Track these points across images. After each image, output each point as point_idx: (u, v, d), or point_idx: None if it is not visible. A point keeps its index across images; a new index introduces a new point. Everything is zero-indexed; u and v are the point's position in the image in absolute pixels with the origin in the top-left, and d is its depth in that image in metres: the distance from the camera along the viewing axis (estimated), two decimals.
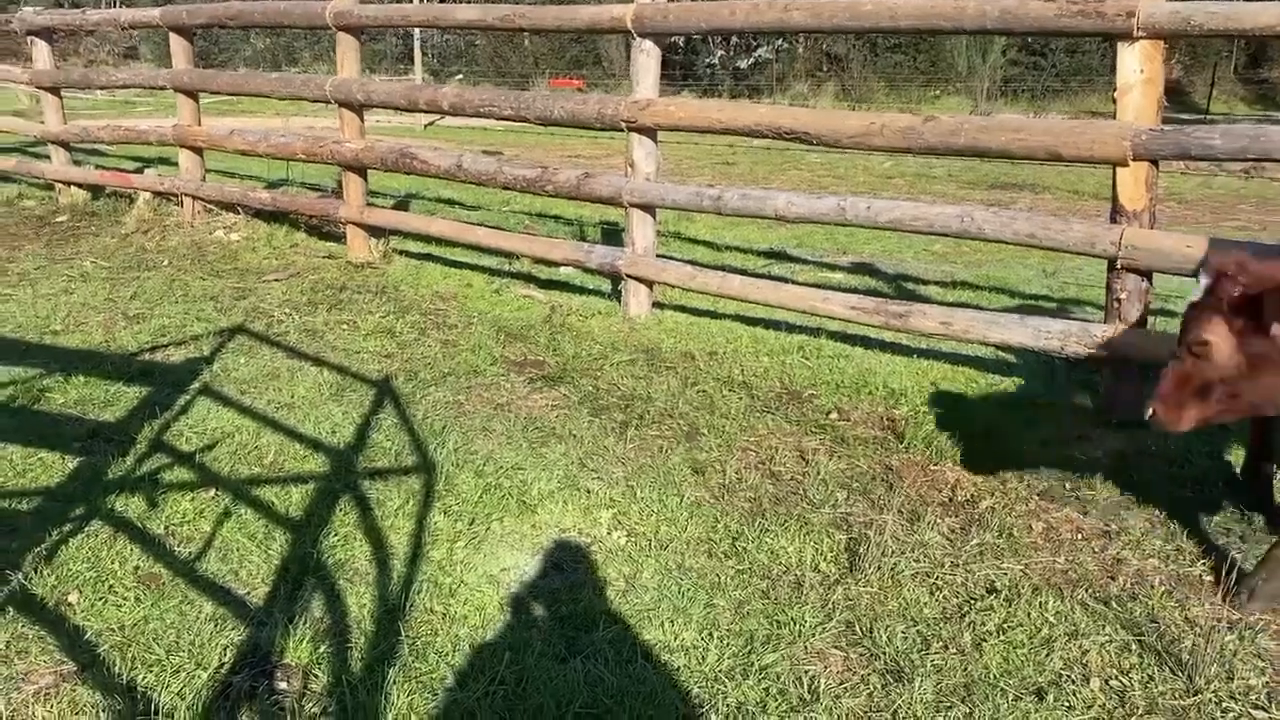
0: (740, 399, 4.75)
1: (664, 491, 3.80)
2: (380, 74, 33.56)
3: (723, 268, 7.05)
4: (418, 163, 6.65)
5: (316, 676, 2.69)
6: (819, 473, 4.02)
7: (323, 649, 2.79)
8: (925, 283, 7.07)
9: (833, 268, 7.49)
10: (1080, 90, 27.63)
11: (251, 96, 11.29)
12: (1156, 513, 3.71)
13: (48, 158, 9.81)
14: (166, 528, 3.47)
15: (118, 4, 31.72)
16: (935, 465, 4.10)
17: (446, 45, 36.14)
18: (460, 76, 29.87)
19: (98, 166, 10.15)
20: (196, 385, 4.75)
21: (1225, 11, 3.87)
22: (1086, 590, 3.20)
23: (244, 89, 8.68)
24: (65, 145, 9.53)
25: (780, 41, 32.43)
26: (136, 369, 4.96)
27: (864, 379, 4.91)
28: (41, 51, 9.29)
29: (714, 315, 5.94)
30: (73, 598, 3.03)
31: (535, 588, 3.16)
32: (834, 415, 4.60)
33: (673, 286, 5.80)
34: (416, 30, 25.90)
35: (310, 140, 7.51)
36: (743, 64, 32.34)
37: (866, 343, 5.39)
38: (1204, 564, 3.36)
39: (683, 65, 33.43)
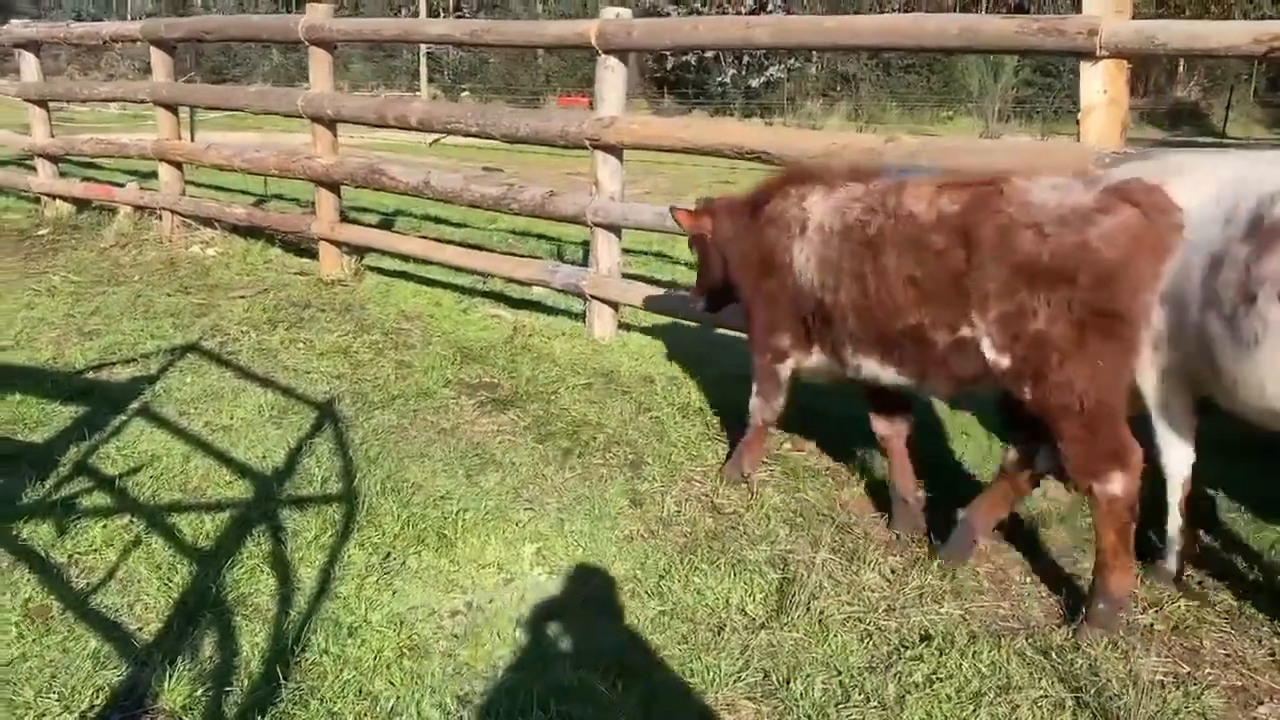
0: (693, 426, 4.59)
1: (596, 524, 3.64)
2: (397, 90, 33.72)
3: None
4: (386, 179, 6.55)
5: None
6: (763, 506, 3.85)
7: (199, 692, 2.64)
8: None
9: None
10: None
11: (229, 111, 11.22)
12: None
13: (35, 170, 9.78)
14: (71, 556, 3.33)
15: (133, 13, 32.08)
16: (887, 503, 3.92)
17: (460, 63, 36.29)
18: (466, 93, 29.92)
19: (84, 179, 10.11)
20: (135, 405, 4.62)
21: (1190, 30, 3.72)
22: (1027, 639, 3.02)
23: (221, 102, 8.62)
24: (52, 158, 9.50)
25: (792, 60, 32.38)
26: (77, 388, 4.84)
27: (822, 410, 4.73)
28: (29, 64, 9.26)
29: (682, 338, 5.78)
30: None
31: (439, 629, 3.00)
32: (787, 446, 4.42)
33: (637, 308, 5.64)
34: (423, 47, 25.98)
35: (283, 155, 7.42)
36: (754, 83, 32.29)
37: None
38: (1155, 613, 3.17)
39: (695, 84, 33.44)
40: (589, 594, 3.21)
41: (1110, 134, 3.92)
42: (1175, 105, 31.64)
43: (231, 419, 4.53)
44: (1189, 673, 2.89)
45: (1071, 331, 2.91)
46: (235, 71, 38.07)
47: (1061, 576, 3.40)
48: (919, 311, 3.19)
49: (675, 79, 34.18)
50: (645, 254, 8.04)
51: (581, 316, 5.99)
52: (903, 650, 2.96)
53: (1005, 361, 3.04)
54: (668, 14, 30.94)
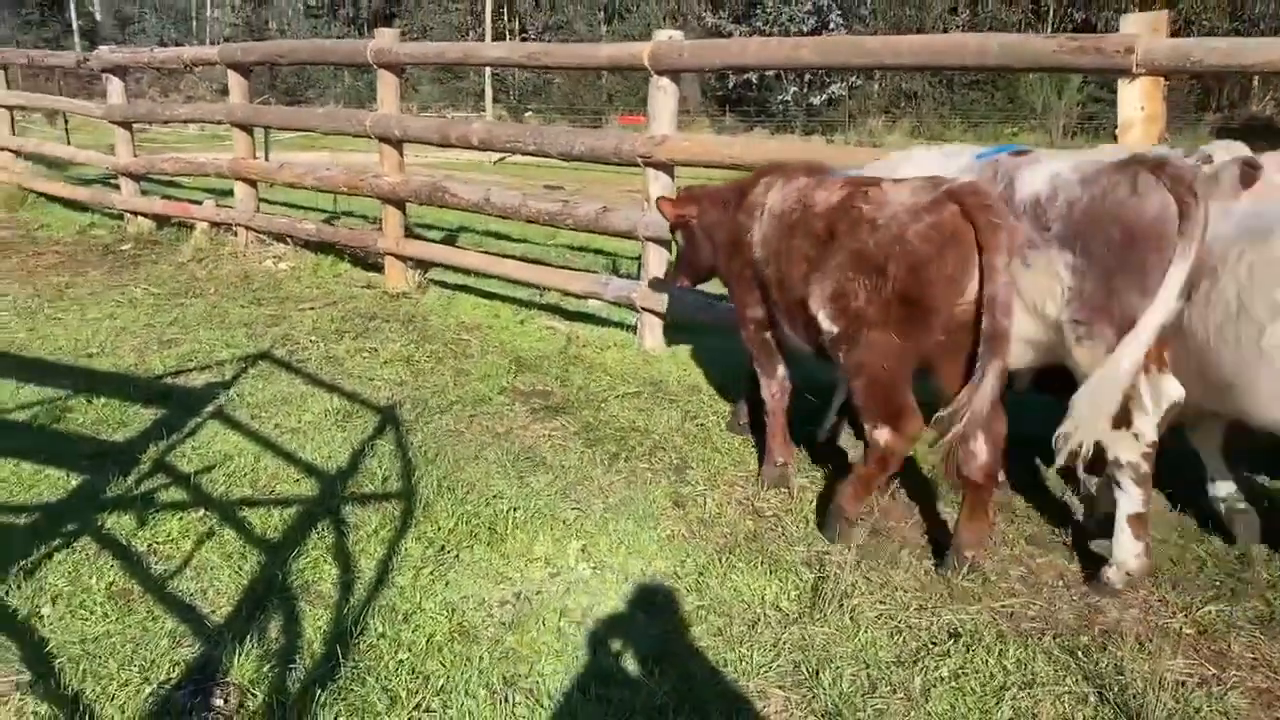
0: (737, 435, 4.72)
1: (639, 524, 3.80)
2: (464, 111, 34.40)
3: None
4: (449, 196, 6.80)
5: (253, 695, 2.75)
6: (803, 511, 3.98)
7: (265, 669, 2.85)
8: None
9: None
10: None
11: (301, 131, 11.64)
12: None
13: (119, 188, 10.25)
14: (150, 545, 3.58)
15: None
16: (924, 505, 4.02)
17: (525, 84, 36.92)
18: (529, 113, 30.40)
19: (165, 197, 10.58)
20: (210, 409, 4.90)
21: (1226, 48, 3.78)
22: (1054, 639, 3.11)
23: (292, 123, 9.00)
24: (134, 177, 9.96)
25: (854, 78, 32.38)
26: (157, 392, 5.14)
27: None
28: (115, 88, 9.75)
29: (730, 348, 5.91)
30: (46, 610, 3.14)
31: (488, 617, 3.18)
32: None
33: (688, 320, 5.80)
34: (488, 70, 26.53)
35: (352, 174, 7.74)
36: (816, 100, 32.35)
37: None
38: (1185, 617, 3.23)
39: (756, 102, 33.61)
40: (630, 588, 3.37)
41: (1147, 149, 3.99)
42: (1249, 120, 30.94)
43: (299, 422, 4.78)
44: (1214, 674, 2.95)
45: (880, 311, 3.40)
46: (308, 93, 39.16)
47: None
48: (804, 286, 3.68)
49: (737, 97, 34.41)
50: None
51: (633, 329, 6.17)
52: (931, 646, 3.07)
53: (835, 330, 3.58)
54: (729, 33, 31.18)
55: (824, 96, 32.64)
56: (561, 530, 3.73)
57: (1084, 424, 3.20)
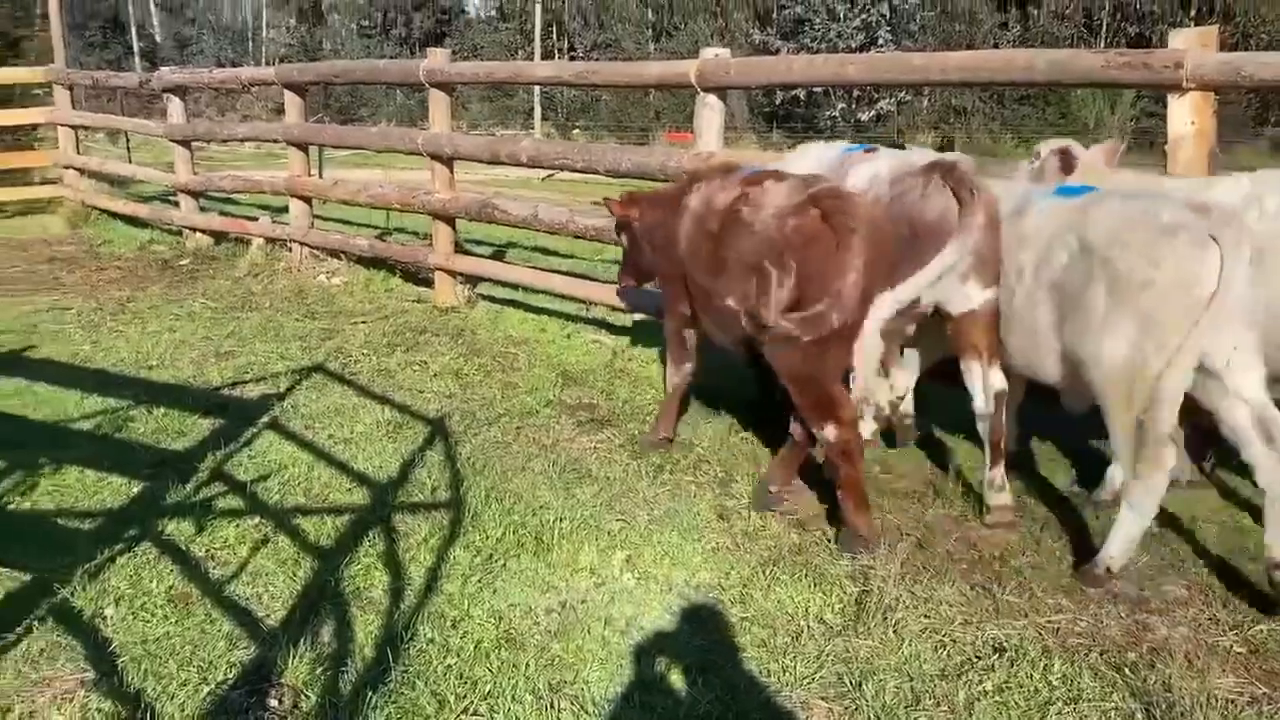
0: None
1: (684, 536, 3.84)
2: (512, 129, 34.78)
3: None
4: (498, 212, 6.92)
5: (307, 697, 2.82)
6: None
7: (318, 671, 2.92)
8: None
9: None
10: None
11: (355, 149, 11.87)
12: (1196, 579, 3.55)
13: (178, 205, 10.52)
14: (208, 551, 3.68)
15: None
16: (970, 521, 4.01)
17: (573, 102, 37.22)
18: (577, 131, 30.63)
19: (222, 213, 10.83)
20: (265, 419, 5.02)
21: (1277, 62, 3.74)
22: (1101, 655, 3.09)
23: (346, 142, 9.20)
24: (193, 194, 10.22)
25: (903, 94, 32.23)
26: (215, 403, 5.28)
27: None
28: (175, 107, 10.02)
29: None
30: (109, 611, 3.25)
31: (534, 624, 3.23)
32: (878, 469, 4.53)
33: None
34: (537, 89, 26.81)
35: (404, 191, 7.89)
36: (864, 116, 32.24)
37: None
38: (1236, 635, 3.20)
39: (804, 118, 33.56)
40: (674, 599, 3.41)
41: (1198, 164, 3.97)
42: None
43: (351, 433, 4.89)
44: (1265, 694, 2.92)
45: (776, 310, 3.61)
46: (362, 112, 39.76)
47: (1143, 597, 3.45)
48: (711, 280, 3.98)
49: (785, 113, 34.39)
50: None
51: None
52: (975, 660, 3.07)
53: (747, 325, 3.75)
54: (777, 50, 31.21)
55: (872, 113, 32.50)
56: (607, 541, 3.78)
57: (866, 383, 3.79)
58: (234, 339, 6.62)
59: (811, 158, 4.45)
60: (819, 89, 31.09)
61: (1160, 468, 3.33)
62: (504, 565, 3.60)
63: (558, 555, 3.67)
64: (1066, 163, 4.06)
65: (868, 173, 3.97)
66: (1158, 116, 28.07)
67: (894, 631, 3.20)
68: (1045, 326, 3.61)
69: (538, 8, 33.30)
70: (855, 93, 31.86)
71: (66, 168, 11.86)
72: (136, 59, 46.37)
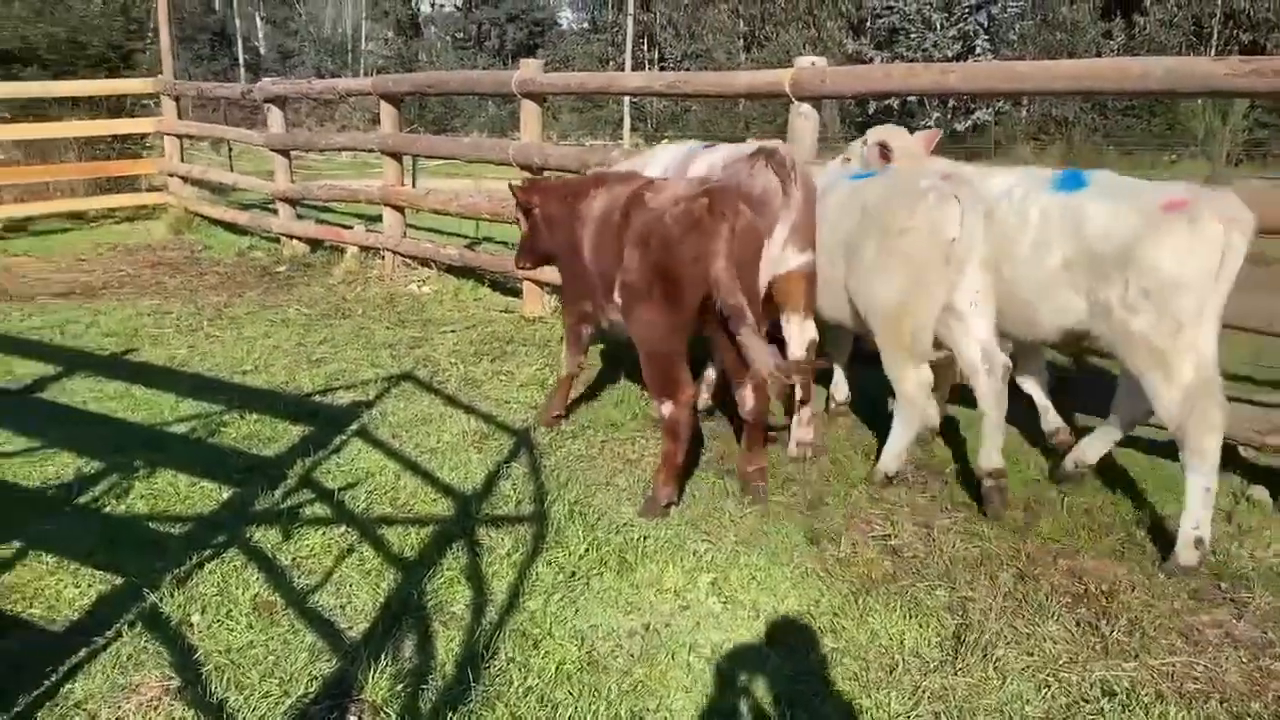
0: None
1: (772, 560, 3.72)
2: (603, 139, 34.99)
3: None
4: None
5: (386, 714, 2.78)
6: (944, 553, 3.82)
7: (399, 688, 2.88)
8: None
9: None
10: None
11: (447, 159, 11.98)
12: None
13: (276, 213, 10.76)
14: (294, 559, 3.69)
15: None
16: (1075, 553, 3.81)
17: (663, 112, 37.29)
18: (665, 140, 30.58)
19: (318, 221, 11.05)
20: (354, 427, 5.05)
21: None
22: (1221, 703, 2.89)
23: (440, 151, 9.27)
24: (291, 202, 10.44)
25: (1001, 104, 31.51)
26: (306, 409, 5.33)
27: (1014, 457, 4.64)
28: (275, 117, 10.25)
29: (871, 380, 5.77)
30: (195, 618, 3.26)
31: (617, 647, 3.15)
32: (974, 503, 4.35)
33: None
34: (627, 99, 26.89)
35: (495, 201, 7.90)
36: (960, 127, 31.60)
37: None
38: None
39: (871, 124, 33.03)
40: (762, 625, 3.29)
41: None
42: None
43: (438, 442, 4.88)
44: None
45: (644, 284, 3.97)
46: (455, 122, 40.45)
47: (1265, 641, 3.22)
48: (612, 270, 4.22)
49: (878, 123, 33.90)
50: None
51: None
52: (1082, 704, 2.89)
53: (619, 302, 4.16)
54: (870, 60, 30.82)
55: (969, 123, 31.85)
56: (692, 562, 3.67)
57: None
58: (326, 345, 6.70)
59: (664, 156, 5.17)
60: (913, 98, 30.60)
61: (915, 381, 4.24)
62: (587, 584, 3.52)
63: (641, 575, 3.58)
64: (884, 153, 4.75)
65: (706, 161, 4.72)
66: (1271, 127, 26.93)
67: (994, 669, 3.03)
68: (839, 280, 4.42)
69: (629, 19, 33.35)
70: (951, 102, 31.26)
71: (172, 175, 12.23)
72: (241, 70, 47.90)
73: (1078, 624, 3.31)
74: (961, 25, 31.79)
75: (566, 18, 54.48)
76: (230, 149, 15.65)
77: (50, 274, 9.54)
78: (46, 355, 6.35)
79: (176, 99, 12.00)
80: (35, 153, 13.21)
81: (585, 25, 52.56)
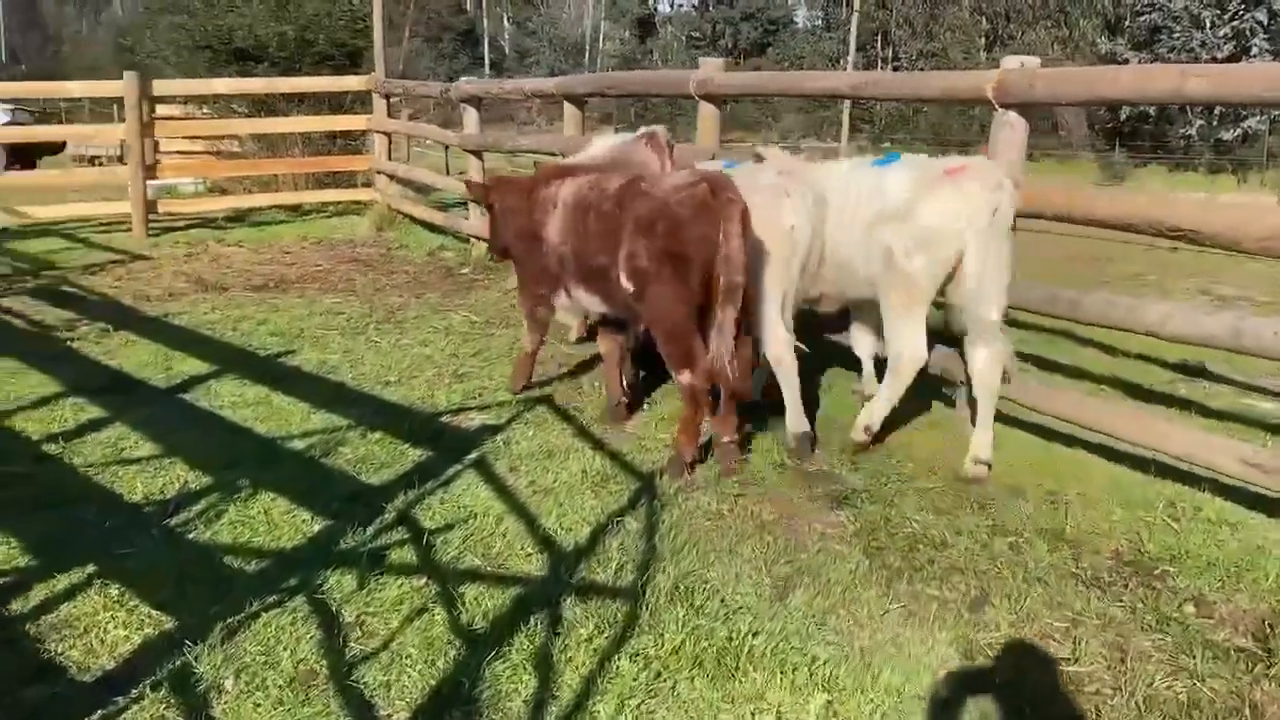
0: (1062, 562, 3.74)
1: (910, 680, 3.00)
2: (826, 141, 33.92)
3: (1106, 379, 5.90)
4: None
5: None
6: (1138, 689, 2.98)
7: None
8: None
9: (1268, 393, 5.91)
10: None
11: None
12: None
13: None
14: (359, 615, 3.30)
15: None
16: None
17: (892, 113, 35.71)
18: (888, 145, 29.28)
19: None
20: (473, 455, 4.66)
21: None
22: None
23: None
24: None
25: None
26: (430, 431, 4.99)
27: (1248, 562, 3.68)
28: (471, 117, 10.16)
29: (1071, 439, 4.86)
30: (228, 684, 2.92)
31: None
32: (1189, 607, 3.45)
33: (1015, 403, 4.81)
34: (846, 103, 25.79)
35: None
36: (1227, 135, 28.41)
37: (1270, 508, 4.07)
38: None
39: (1153, 135, 30.18)
40: None
41: None
42: None
43: (554, 481, 4.41)
44: None
45: (655, 265, 4.26)
46: (681, 121, 40.20)
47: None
48: (601, 255, 4.56)
49: (1130, 130, 31.07)
50: (1046, 331, 6.99)
51: (953, 403, 5.26)
52: None
53: (630, 287, 4.42)
54: (1126, 61, 28.26)
55: (1238, 131, 28.54)
56: (806, 674, 3.00)
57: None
58: (478, 359, 6.38)
59: (595, 145, 5.86)
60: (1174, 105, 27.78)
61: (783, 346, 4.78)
62: (673, 688, 2.93)
63: (740, 685, 2.95)
64: (758, 157, 5.35)
65: (605, 144, 5.74)
66: None
67: None
68: None
69: (855, 16, 32.16)
70: (1217, 109, 28.15)
71: (378, 173, 12.46)
72: (486, 69, 49.80)
73: None
74: (1236, 23, 28.54)
75: (802, 15, 53.44)
76: (447, 150, 15.92)
77: (253, 265, 9.82)
78: (207, 353, 6.35)
79: (386, 97, 12.20)
80: (267, 147, 13.88)
81: (819, 23, 51.36)
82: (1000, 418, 4.91)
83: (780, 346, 4.76)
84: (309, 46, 14.19)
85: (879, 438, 4.83)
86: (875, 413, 4.72)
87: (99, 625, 3.21)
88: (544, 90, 8.85)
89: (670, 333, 4.36)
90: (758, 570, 3.64)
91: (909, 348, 4.51)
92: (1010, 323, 5.00)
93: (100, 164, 17.72)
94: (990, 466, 4.49)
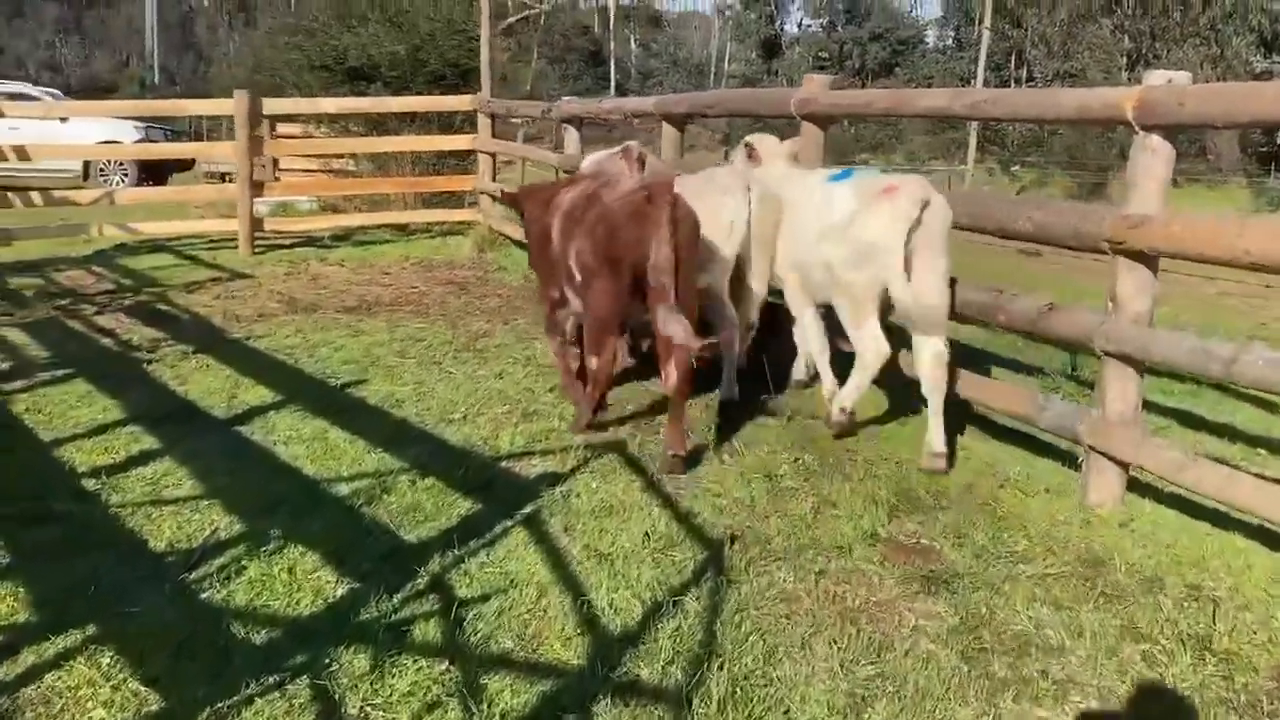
0: (1210, 680, 3.07)
1: None
2: (953, 164, 32.65)
3: (1263, 440, 5.12)
4: None
5: None
6: None
7: None
8: None
9: None
10: None
11: None
12: None
13: None
14: (362, 709, 2.88)
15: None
16: None
17: (1024, 135, 34.16)
18: (1017, 168, 27.96)
19: None
20: (526, 510, 4.22)
21: None
22: None
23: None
24: None
25: None
26: (485, 478, 4.57)
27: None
28: (572, 137, 9.85)
29: (1219, 519, 4.14)
30: None
31: None
32: None
33: (1149, 473, 4.12)
34: (974, 125, 24.72)
35: None
36: None
37: None
38: None
39: (1277, 157, 28.03)
40: None
41: None
42: None
43: (612, 545, 3.92)
44: None
45: (594, 263, 4.84)
46: (894, 144, 38.99)
47: None
48: (571, 254, 5.03)
49: (1255, 150, 28.95)
50: (1200, 384, 6.17)
51: (1077, 467, 4.57)
52: None
53: (579, 278, 4.99)
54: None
55: None
56: None
57: None
58: (552, 395, 5.94)
59: (590, 158, 6.79)
60: None
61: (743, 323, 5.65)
62: None
63: None
64: (751, 152, 5.90)
65: (593, 159, 6.67)
66: None
67: None
68: None
69: (986, 34, 30.92)
70: None
71: (482, 193, 12.28)
72: (612, 89, 49.98)
73: None
74: None
75: (932, 35, 52.06)
76: (557, 173, 15.67)
77: (349, 286, 9.68)
78: (276, 380, 6.11)
79: (491, 117, 12.02)
80: (378, 166, 13.89)
81: (950, 42, 49.90)
82: (1133, 485, 4.23)
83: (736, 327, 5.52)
84: (421, 66, 14.17)
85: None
86: (846, 396, 5.04)
87: (79, 703, 2.88)
88: (643, 110, 8.46)
89: (596, 320, 4.95)
90: (832, 674, 3.08)
91: (870, 347, 4.86)
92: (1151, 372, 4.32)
93: (229, 180, 18.15)
94: (951, 456, 4.78)
